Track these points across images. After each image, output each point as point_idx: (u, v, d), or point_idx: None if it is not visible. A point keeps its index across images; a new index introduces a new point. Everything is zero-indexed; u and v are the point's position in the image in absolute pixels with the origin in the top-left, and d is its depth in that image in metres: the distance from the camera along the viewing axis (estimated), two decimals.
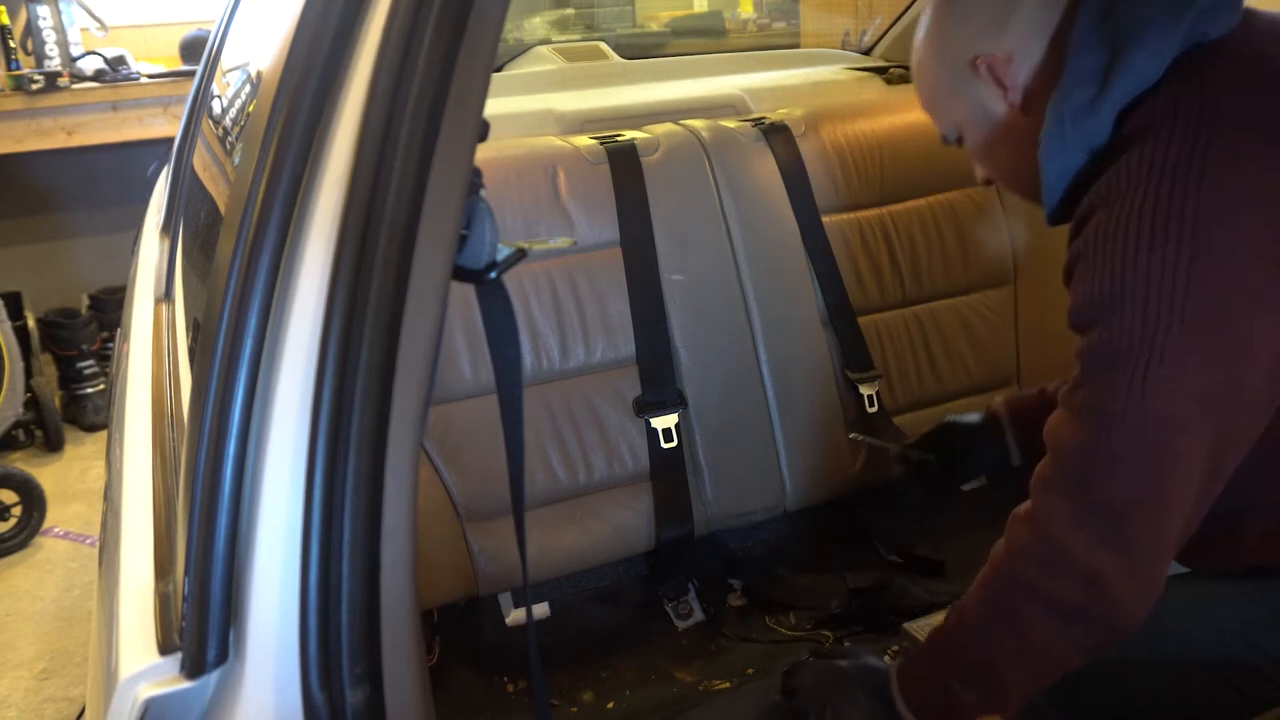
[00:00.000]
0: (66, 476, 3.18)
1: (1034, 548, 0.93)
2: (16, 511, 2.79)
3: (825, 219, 1.84)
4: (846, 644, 1.62)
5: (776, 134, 1.85)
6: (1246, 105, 0.89)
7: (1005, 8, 1.03)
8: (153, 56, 3.65)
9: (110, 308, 3.56)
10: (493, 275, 0.70)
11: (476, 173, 0.66)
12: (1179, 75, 0.92)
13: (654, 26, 3.99)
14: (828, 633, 1.67)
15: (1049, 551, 0.91)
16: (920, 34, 1.11)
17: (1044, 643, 0.93)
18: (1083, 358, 0.91)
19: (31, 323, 3.49)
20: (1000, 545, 0.97)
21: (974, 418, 1.42)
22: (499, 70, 2.26)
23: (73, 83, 3.34)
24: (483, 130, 0.65)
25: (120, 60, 3.44)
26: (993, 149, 1.10)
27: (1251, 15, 0.96)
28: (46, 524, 2.86)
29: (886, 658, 1.53)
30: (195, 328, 1.02)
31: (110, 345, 3.52)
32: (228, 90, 1.51)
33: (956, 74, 1.06)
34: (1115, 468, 0.88)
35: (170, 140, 2.19)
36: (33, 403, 3.24)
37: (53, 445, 3.32)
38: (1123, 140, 0.93)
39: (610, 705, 1.56)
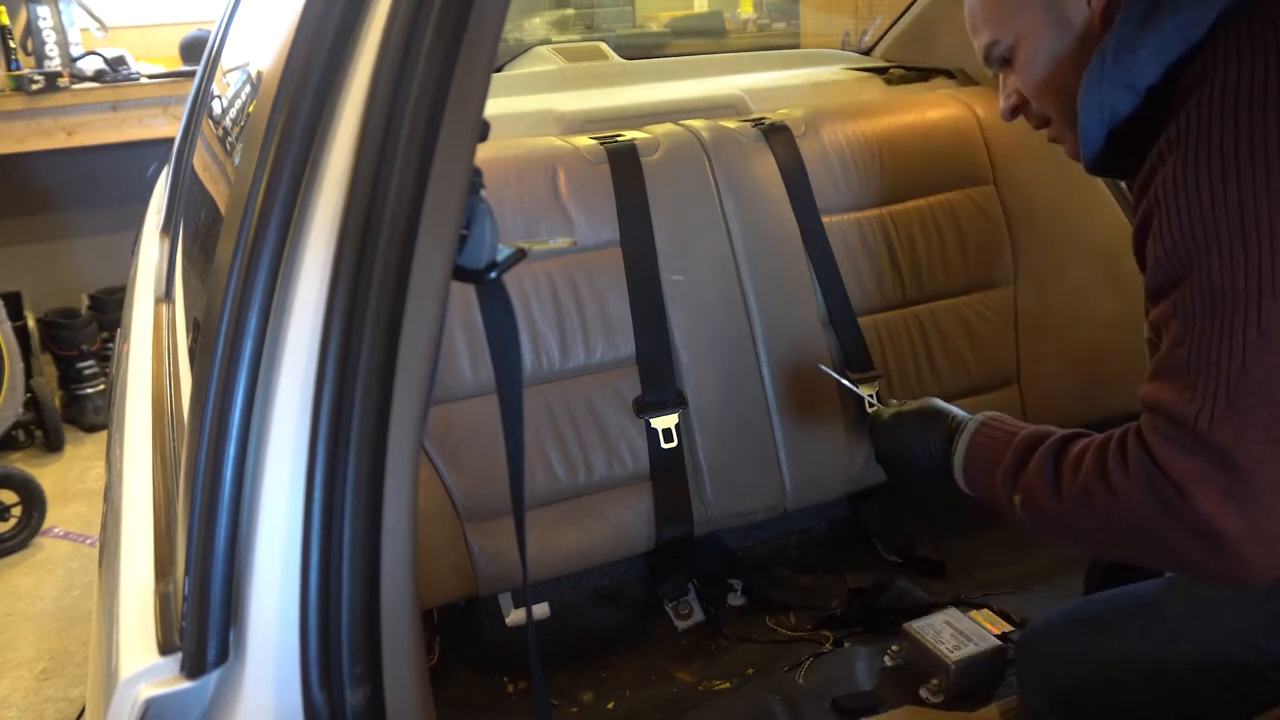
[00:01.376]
0: (66, 476, 3.18)
1: (1144, 499, 0.85)
2: (16, 511, 2.79)
3: (825, 219, 1.84)
4: (846, 645, 1.62)
5: (776, 134, 1.85)
6: None
7: None
8: (153, 56, 3.65)
9: (110, 308, 3.57)
10: (493, 275, 0.70)
11: (476, 173, 0.66)
12: (1233, 22, 0.90)
13: (654, 26, 3.99)
14: (828, 633, 1.67)
15: (1165, 505, 0.83)
16: None
17: (1134, 552, 0.91)
18: (1181, 312, 0.85)
19: (31, 323, 3.49)
20: (1094, 468, 0.90)
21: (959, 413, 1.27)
22: (499, 70, 2.26)
23: (73, 83, 3.34)
24: (483, 130, 0.65)
25: (120, 60, 3.44)
26: (1054, 71, 1.05)
27: None
28: (46, 524, 2.86)
29: (886, 658, 1.54)
30: (195, 328, 1.02)
31: (110, 345, 3.52)
32: (228, 90, 1.51)
33: None
34: (1241, 421, 0.80)
35: (170, 140, 2.19)
36: (33, 403, 3.24)
37: (53, 445, 3.32)
38: (1185, 86, 0.91)
39: (610, 705, 1.56)
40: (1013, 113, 1.13)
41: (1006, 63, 1.10)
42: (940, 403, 1.23)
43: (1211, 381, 0.82)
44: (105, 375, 3.53)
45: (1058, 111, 1.08)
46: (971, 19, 1.13)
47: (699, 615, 1.74)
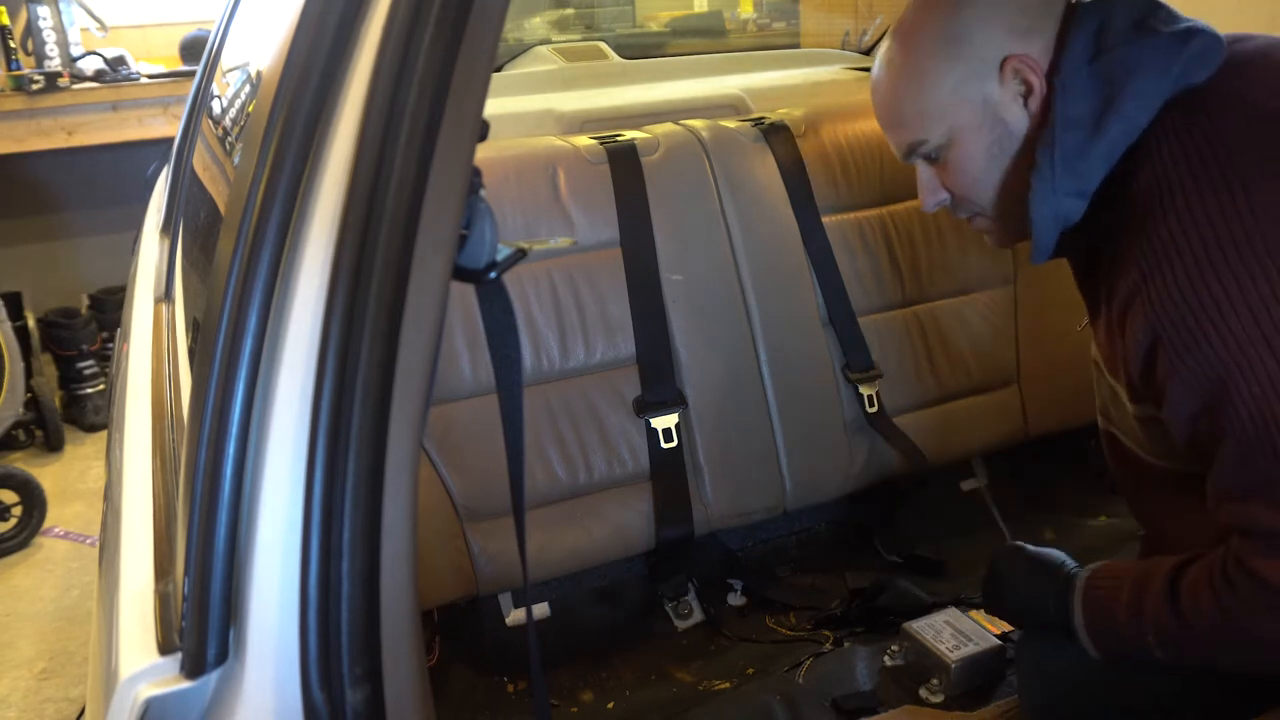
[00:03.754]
0: (66, 476, 3.18)
1: (1265, 619, 0.87)
2: (16, 511, 2.79)
3: (825, 219, 1.84)
4: (846, 645, 1.62)
5: (776, 134, 1.85)
6: (1248, 135, 0.90)
7: (1044, 8, 1.01)
8: (153, 56, 3.65)
9: (110, 308, 3.57)
10: (493, 275, 0.70)
11: (476, 173, 0.66)
12: (1177, 114, 0.93)
13: (654, 26, 3.99)
14: (828, 632, 1.67)
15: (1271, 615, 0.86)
16: (917, 30, 1.05)
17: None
18: (1232, 433, 0.85)
19: (31, 323, 3.49)
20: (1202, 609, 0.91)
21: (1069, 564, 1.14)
22: (499, 70, 2.26)
23: (73, 83, 3.34)
24: (483, 130, 0.65)
25: (120, 60, 3.44)
26: (992, 172, 1.04)
27: (1233, 55, 0.97)
28: (46, 524, 2.86)
29: (886, 658, 1.54)
30: (195, 328, 1.02)
31: (110, 345, 3.52)
32: (228, 90, 1.51)
33: (972, 73, 1.01)
34: None
35: (170, 140, 2.19)
36: (33, 403, 3.25)
37: (53, 445, 3.32)
38: (1138, 192, 0.92)
39: (610, 705, 1.56)
40: (937, 206, 1.11)
41: (930, 160, 1.07)
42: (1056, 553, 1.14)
43: None
44: (105, 375, 3.53)
45: (995, 208, 1.07)
46: (886, 114, 1.10)
47: (699, 615, 1.74)
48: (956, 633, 1.51)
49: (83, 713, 1.87)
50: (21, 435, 3.31)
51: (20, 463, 3.15)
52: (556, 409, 1.66)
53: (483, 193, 0.68)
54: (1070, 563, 1.10)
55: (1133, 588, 0.98)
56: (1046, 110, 1.00)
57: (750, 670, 1.60)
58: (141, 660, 0.67)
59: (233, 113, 1.37)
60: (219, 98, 1.60)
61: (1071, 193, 0.97)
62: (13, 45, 3.35)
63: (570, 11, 3.67)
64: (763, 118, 1.90)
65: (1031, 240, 1.02)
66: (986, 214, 1.09)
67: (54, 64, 3.40)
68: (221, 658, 0.63)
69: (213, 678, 0.64)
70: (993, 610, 1.23)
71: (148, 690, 0.64)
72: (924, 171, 1.09)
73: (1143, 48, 0.95)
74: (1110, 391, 1.06)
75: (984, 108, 1.02)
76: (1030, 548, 1.15)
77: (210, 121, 1.61)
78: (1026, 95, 1.01)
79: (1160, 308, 0.88)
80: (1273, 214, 0.86)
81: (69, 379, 3.51)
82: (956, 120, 1.03)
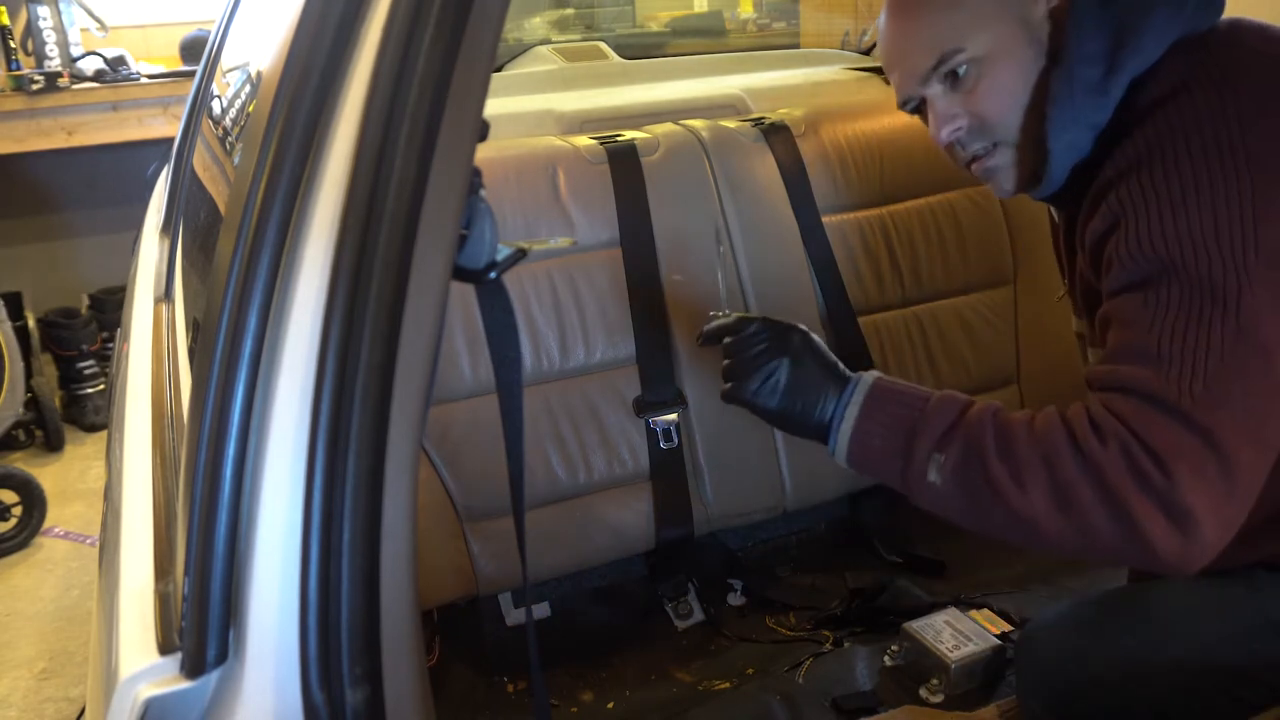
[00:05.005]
0: (66, 476, 3.18)
1: (1116, 467, 0.84)
2: (17, 511, 2.79)
3: (825, 219, 1.84)
4: (846, 645, 1.62)
5: (776, 134, 1.85)
6: (1247, 68, 0.92)
7: None
8: (153, 56, 3.65)
9: (110, 308, 3.57)
10: (493, 275, 0.70)
11: (476, 173, 0.66)
12: (1182, 51, 0.95)
13: (654, 26, 3.99)
14: (828, 632, 1.67)
15: (1138, 475, 0.83)
16: None
17: (1057, 529, 0.87)
18: (1153, 303, 0.86)
19: (31, 323, 3.49)
20: (1046, 424, 0.89)
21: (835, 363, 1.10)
22: (499, 70, 2.26)
23: (73, 83, 3.34)
24: (483, 130, 0.65)
25: (120, 60, 3.44)
26: (1023, 92, 1.00)
27: (1228, 18, 0.99)
28: (46, 524, 2.86)
29: (886, 658, 1.54)
30: (195, 328, 1.02)
31: (110, 345, 3.52)
32: (228, 90, 1.51)
33: None
34: (1221, 406, 0.83)
35: (170, 140, 2.19)
36: (33, 403, 3.25)
37: (53, 445, 3.32)
38: (1138, 111, 0.93)
39: (610, 705, 1.56)
40: (953, 136, 1.05)
41: (955, 82, 1.02)
42: (811, 337, 1.10)
43: (1189, 367, 0.84)
44: (105, 375, 3.53)
45: (1021, 135, 1.03)
46: (913, 27, 1.04)
47: (699, 615, 1.74)
48: (956, 633, 1.51)
49: (83, 713, 1.87)
50: (21, 435, 3.31)
51: (20, 463, 3.15)
52: (556, 409, 1.66)
53: (483, 193, 0.68)
54: (831, 357, 1.07)
55: (939, 404, 0.96)
56: (1055, 47, 1.00)
57: (750, 670, 1.60)
58: (141, 660, 0.67)
59: (233, 113, 1.37)
60: (219, 98, 1.60)
61: (1086, 125, 0.97)
62: (13, 45, 3.35)
63: (570, 11, 3.67)
64: (763, 118, 1.90)
65: (1046, 172, 1.01)
66: (1009, 142, 1.04)
67: (54, 64, 3.40)
68: (221, 658, 0.63)
69: (213, 678, 0.64)
70: (735, 392, 1.10)
71: (148, 690, 0.64)
72: (941, 99, 1.04)
73: None
74: (1095, 356, 1.07)
75: (1022, 25, 1.00)
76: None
77: (210, 121, 1.61)
78: (1055, 16, 1.00)
79: (1129, 193, 0.90)
80: (1258, 130, 0.87)
81: (69, 379, 3.51)
82: (1000, 31, 1.00)
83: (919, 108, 1.08)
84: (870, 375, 1.04)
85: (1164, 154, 0.89)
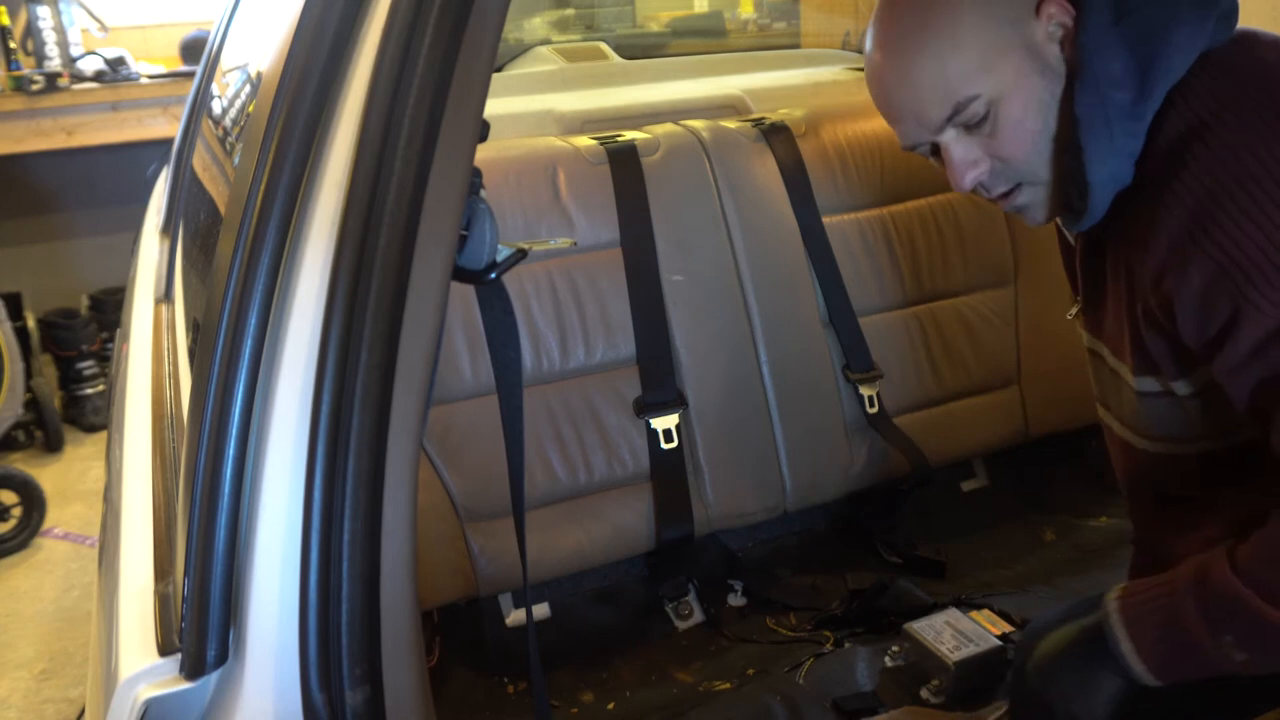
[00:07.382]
0: (66, 477, 3.18)
1: None
2: (16, 512, 2.79)
3: (825, 219, 1.84)
4: (847, 645, 1.62)
5: (777, 134, 1.85)
6: (1274, 83, 0.90)
7: None
8: (153, 57, 3.65)
9: (110, 308, 3.57)
10: (493, 275, 0.70)
11: (476, 173, 0.66)
12: (1199, 70, 0.92)
13: (654, 26, 3.99)
14: (828, 633, 1.66)
15: None
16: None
17: None
18: None
19: (31, 323, 3.49)
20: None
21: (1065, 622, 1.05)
22: (499, 70, 2.27)
23: (73, 83, 3.35)
24: (483, 130, 0.65)
25: (120, 61, 3.44)
26: (1045, 118, 0.96)
27: (1241, 30, 0.97)
28: (46, 524, 2.86)
29: (886, 658, 1.54)
30: (195, 328, 1.02)
31: (110, 345, 3.52)
32: (228, 90, 1.51)
33: (1013, 16, 0.95)
34: None
35: (170, 140, 2.19)
36: (33, 403, 3.25)
37: (53, 446, 3.32)
38: (1175, 138, 0.90)
39: (610, 706, 1.56)
40: (976, 181, 1.00)
41: (971, 126, 0.97)
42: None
43: None
44: (105, 375, 3.53)
45: (1052, 170, 0.98)
46: (915, 85, 0.99)
47: (699, 615, 1.74)
48: (957, 633, 1.51)
49: (83, 713, 1.87)
50: (21, 436, 3.31)
51: (20, 463, 3.15)
52: (556, 409, 1.66)
53: (483, 193, 0.68)
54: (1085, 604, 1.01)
55: (1190, 585, 0.90)
56: (1072, 71, 0.96)
57: (750, 671, 1.60)
58: (141, 661, 0.67)
59: (233, 113, 1.37)
60: (219, 98, 1.60)
61: (1125, 154, 0.93)
62: (13, 45, 3.35)
63: (570, 12, 3.67)
64: (763, 118, 1.90)
65: (1088, 205, 0.96)
66: (1039, 179, 0.99)
67: (54, 64, 3.40)
68: (221, 659, 0.63)
69: (212, 679, 0.64)
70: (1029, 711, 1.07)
71: (148, 691, 0.64)
72: (956, 144, 0.98)
73: (1177, 3, 0.93)
74: (1111, 376, 1.05)
75: (1029, 53, 0.95)
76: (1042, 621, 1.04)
77: (210, 122, 1.61)
78: (1063, 40, 0.96)
79: (1225, 241, 0.85)
80: None
81: (69, 379, 3.51)
82: (1010, 65, 0.94)
83: (931, 149, 1.03)
84: (1111, 600, 0.98)
85: (1242, 184, 0.84)
